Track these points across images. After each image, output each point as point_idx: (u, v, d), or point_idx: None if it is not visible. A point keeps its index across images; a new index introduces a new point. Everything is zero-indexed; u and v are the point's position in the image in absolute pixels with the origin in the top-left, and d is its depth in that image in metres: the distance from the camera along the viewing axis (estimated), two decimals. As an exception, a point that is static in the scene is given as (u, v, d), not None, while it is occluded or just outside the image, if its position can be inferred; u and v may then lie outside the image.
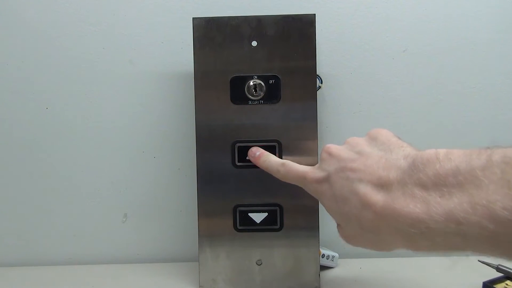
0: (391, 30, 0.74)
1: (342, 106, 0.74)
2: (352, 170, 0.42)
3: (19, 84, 0.74)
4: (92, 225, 0.76)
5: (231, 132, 0.64)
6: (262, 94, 0.64)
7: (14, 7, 0.73)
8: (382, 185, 0.40)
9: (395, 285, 0.67)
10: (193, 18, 0.63)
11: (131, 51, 0.74)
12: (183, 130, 0.74)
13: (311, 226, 0.65)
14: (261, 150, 0.57)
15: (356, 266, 0.72)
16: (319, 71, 0.72)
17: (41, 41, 0.74)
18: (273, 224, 0.64)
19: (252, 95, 0.64)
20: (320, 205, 0.65)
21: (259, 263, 0.65)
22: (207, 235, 0.65)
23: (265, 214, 0.64)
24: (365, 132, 0.75)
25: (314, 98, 0.64)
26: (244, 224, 0.64)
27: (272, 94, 0.64)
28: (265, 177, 0.64)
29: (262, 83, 0.63)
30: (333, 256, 0.71)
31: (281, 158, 0.64)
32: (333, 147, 0.47)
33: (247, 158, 0.63)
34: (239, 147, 0.64)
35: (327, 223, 0.76)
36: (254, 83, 0.64)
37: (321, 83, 0.71)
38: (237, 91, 0.64)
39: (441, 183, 0.36)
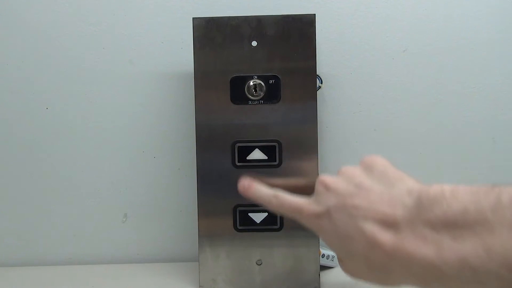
0: (391, 30, 0.74)
1: (342, 106, 0.74)
2: (354, 207, 0.40)
3: (19, 84, 0.74)
4: (92, 225, 0.76)
5: (231, 132, 0.64)
6: (262, 94, 0.64)
7: (14, 7, 0.73)
8: (389, 223, 0.38)
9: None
10: (193, 18, 0.63)
11: (131, 51, 0.74)
12: (183, 130, 0.74)
13: (311, 226, 0.64)
14: (251, 182, 0.52)
15: (356, 266, 0.72)
16: (319, 71, 0.72)
17: (41, 41, 0.74)
18: (273, 224, 0.64)
19: (252, 95, 0.64)
20: (320, 205, 0.65)
21: (259, 263, 0.65)
22: (207, 235, 0.65)
23: (265, 214, 0.64)
24: (365, 132, 0.76)
25: (314, 98, 0.64)
26: (244, 224, 0.64)
27: (272, 94, 0.64)
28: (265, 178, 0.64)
29: (262, 83, 0.63)
30: (333, 256, 0.71)
31: (281, 158, 0.64)
32: (329, 179, 0.44)
33: (247, 158, 0.63)
34: (239, 147, 0.64)
35: (327, 223, 0.76)
36: (254, 83, 0.64)
37: (321, 83, 0.71)
38: (237, 91, 0.64)
39: (451, 224, 0.34)
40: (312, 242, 0.65)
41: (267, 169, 0.64)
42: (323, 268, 0.70)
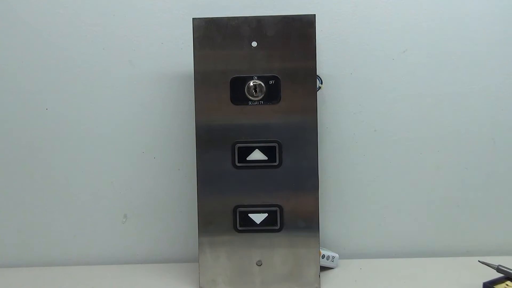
0: (391, 30, 0.73)
1: (342, 107, 0.74)
2: None
3: (19, 84, 0.74)
4: (92, 226, 0.76)
5: (231, 133, 0.64)
6: (262, 94, 0.64)
7: (14, 8, 0.73)
8: None
9: (395, 285, 0.67)
10: (193, 19, 0.63)
11: (131, 51, 0.74)
12: (183, 131, 0.74)
13: (311, 227, 0.65)
14: None
15: (356, 266, 0.72)
16: (319, 71, 0.72)
17: (41, 41, 0.74)
18: (273, 224, 0.64)
19: (252, 96, 0.64)
20: (320, 205, 0.65)
21: (259, 264, 0.65)
22: (207, 236, 0.65)
23: (265, 215, 0.64)
24: (365, 132, 0.76)
25: (314, 98, 0.64)
26: (244, 225, 0.64)
27: (272, 94, 0.64)
28: (265, 178, 0.64)
29: (262, 84, 0.63)
30: (333, 257, 0.71)
31: (281, 159, 0.64)
32: None
33: (247, 158, 0.63)
34: (239, 147, 0.64)
35: (327, 223, 0.76)
36: (254, 83, 0.63)
37: (321, 83, 0.71)
38: (237, 92, 0.64)
39: None
40: (312, 242, 0.65)
41: (267, 169, 0.64)
42: (323, 268, 0.70)
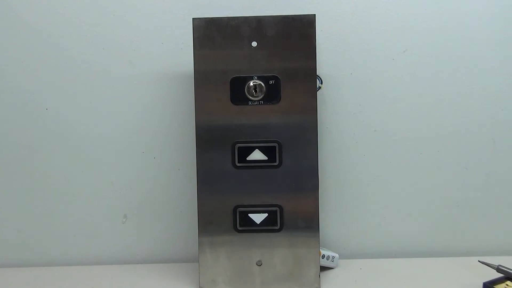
0: (391, 30, 0.73)
1: (342, 107, 0.74)
2: None
3: (19, 84, 0.74)
4: (92, 226, 0.76)
5: (231, 133, 0.64)
6: (262, 94, 0.64)
7: (14, 8, 0.73)
8: None
9: (395, 285, 0.67)
10: (193, 19, 0.63)
11: (131, 51, 0.74)
12: (183, 130, 0.74)
13: (311, 227, 0.65)
14: None
15: (356, 266, 0.72)
16: (319, 71, 0.72)
17: (41, 41, 0.74)
18: (273, 224, 0.64)
19: (252, 96, 0.64)
20: (320, 205, 0.65)
21: (259, 264, 0.65)
22: (207, 236, 0.65)
23: (265, 215, 0.64)
24: (365, 132, 0.76)
25: (314, 98, 0.64)
26: (244, 225, 0.64)
27: (272, 94, 0.64)
28: (265, 178, 0.64)
29: (262, 84, 0.63)
30: (333, 257, 0.71)
31: (281, 159, 0.64)
32: None
33: (247, 159, 0.63)
34: (239, 147, 0.64)
35: (327, 223, 0.76)
36: (254, 83, 0.63)
37: (321, 83, 0.71)
38: (237, 92, 0.64)
39: None
40: (312, 242, 0.65)
41: (267, 169, 0.64)
42: (323, 268, 0.70)
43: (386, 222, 0.76)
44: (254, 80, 0.64)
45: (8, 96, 0.74)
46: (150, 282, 0.69)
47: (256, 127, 0.64)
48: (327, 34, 0.73)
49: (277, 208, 0.64)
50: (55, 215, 0.76)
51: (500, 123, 0.75)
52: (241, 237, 0.65)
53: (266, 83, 0.64)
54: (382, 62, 0.74)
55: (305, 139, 0.64)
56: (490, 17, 0.73)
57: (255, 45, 0.63)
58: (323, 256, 0.70)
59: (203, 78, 0.64)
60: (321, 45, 0.73)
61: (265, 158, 0.64)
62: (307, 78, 0.64)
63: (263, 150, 0.64)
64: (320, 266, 0.66)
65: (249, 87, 0.64)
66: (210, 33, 0.63)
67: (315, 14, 0.63)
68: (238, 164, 0.64)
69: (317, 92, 0.66)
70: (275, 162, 0.64)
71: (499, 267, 0.64)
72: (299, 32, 0.63)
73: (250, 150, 0.64)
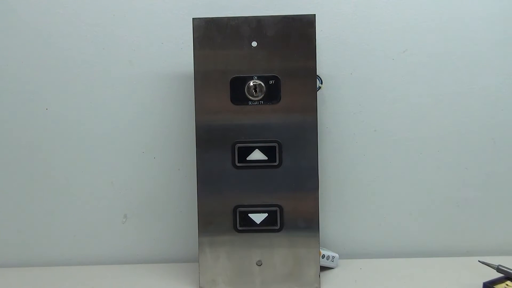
0: (391, 30, 0.73)
1: (342, 107, 0.74)
2: None
3: (19, 85, 0.74)
4: (92, 226, 0.76)
5: (231, 133, 0.64)
6: (262, 94, 0.64)
7: (14, 8, 0.73)
8: None
9: (395, 285, 0.67)
10: (193, 19, 0.63)
11: (131, 51, 0.74)
12: (183, 130, 0.74)
13: (311, 227, 0.65)
14: None
15: (356, 266, 0.72)
16: (319, 71, 0.72)
17: (41, 41, 0.74)
18: (273, 224, 0.64)
19: (252, 96, 0.64)
20: (320, 205, 0.65)
21: (259, 264, 0.65)
22: (207, 236, 0.65)
23: (265, 215, 0.64)
24: (365, 132, 0.76)
25: (314, 98, 0.64)
26: (244, 225, 0.64)
27: (272, 94, 0.64)
28: (265, 178, 0.64)
29: (262, 84, 0.63)
30: (333, 257, 0.71)
31: (281, 159, 0.64)
32: None
33: (247, 159, 0.63)
34: (239, 147, 0.64)
35: (327, 223, 0.76)
36: (254, 83, 0.64)
37: (321, 83, 0.71)
38: (237, 92, 0.64)
39: None
40: (312, 242, 0.65)
41: (267, 169, 0.64)
42: (323, 268, 0.70)
43: (386, 222, 0.76)
44: (254, 80, 0.64)
45: (8, 96, 0.74)
46: (150, 282, 0.69)
47: (256, 127, 0.64)
48: (327, 34, 0.73)
49: (277, 208, 0.64)
50: (55, 215, 0.76)
51: (500, 123, 0.75)
52: (241, 237, 0.65)
53: (266, 83, 0.64)
54: (382, 62, 0.74)
55: (305, 139, 0.64)
56: (490, 17, 0.73)
57: (255, 45, 0.63)
58: (323, 256, 0.70)
59: (203, 78, 0.64)
60: (321, 45, 0.73)
61: (265, 158, 0.64)
62: (307, 78, 0.64)
63: (263, 150, 0.64)
64: (320, 266, 0.66)
65: (249, 87, 0.64)
66: (210, 33, 0.63)
67: (315, 14, 0.63)
68: (238, 164, 0.64)
69: (317, 92, 0.66)
70: (275, 162, 0.64)
71: (499, 267, 0.64)
72: (299, 32, 0.63)
73: (250, 150, 0.64)
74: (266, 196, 0.64)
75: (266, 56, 0.63)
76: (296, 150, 0.64)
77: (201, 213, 0.65)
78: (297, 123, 0.64)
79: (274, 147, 0.64)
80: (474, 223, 0.76)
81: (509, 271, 0.63)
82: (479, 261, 0.66)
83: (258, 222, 0.64)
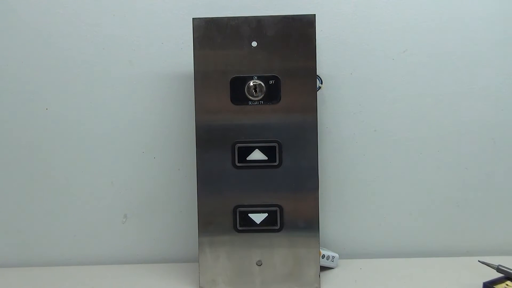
0: (391, 30, 0.73)
1: (342, 107, 0.74)
2: None
3: (19, 85, 0.74)
4: (92, 226, 0.76)
5: (231, 133, 0.64)
6: (262, 94, 0.64)
7: (14, 8, 0.73)
8: None
9: (395, 285, 0.67)
10: (193, 19, 0.63)
11: (131, 51, 0.74)
12: (183, 130, 0.74)
13: (311, 227, 0.65)
14: None
15: (356, 266, 0.72)
16: (319, 71, 0.72)
17: (41, 42, 0.74)
18: (273, 224, 0.64)
19: (252, 96, 0.64)
20: (320, 205, 0.65)
21: (259, 264, 0.65)
22: (207, 236, 0.65)
23: (265, 215, 0.64)
24: (365, 132, 0.76)
25: (314, 98, 0.64)
26: (244, 225, 0.64)
27: (272, 94, 0.64)
28: (265, 178, 0.64)
29: (262, 84, 0.63)
30: (333, 257, 0.71)
31: (281, 159, 0.64)
32: None
33: (247, 158, 0.63)
34: (239, 147, 0.64)
35: (327, 223, 0.76)
36: (254, 83, 0.63)
37: (321, 83, 0.71)
38: (237, 92, 0.64)
39: None
40: (312, 242, 0.65)
41: (267, 169, 0.64)
42: (323, 268, 0.70)
43: (386, 222, 0.76)
44: (254, 80, 0.64)
45: (8, 96, 0.74)
46: (150, 282, 0.69)
47: (256, 127, 0.64)
48: (327, 34, 0.73)
49: (277, 208, 0.64)
50: (55, 215, 0.76)
51: (500, 123, 0.75)
52: (241, 237, 0.65)
53: (266, 83, 0.64)
54: (382, 62, 0.74)
55: (305, 139, 0.64)
56: (490, 17, 0.73)
57: (255, 45, 0.63)
58: (323, 256, 0.70)
59: (203, 78, 0.64)
60: (321, 45, 0.73)
61: (265, 158, 0.64)
62: (307, 78, 0.64)
63: (263, 150, 0.64)
64: (320, 266, 0.66)
65: (249, 87, 0.64)
66: (210, 33, 0.63)
67: (315, 14, 0.63)
68: (238, 164, 0.64)
69: (317, 92, 0.66)
70: (275, 162, 0.64)
71: (499, 267, 0.64)
72: (299, 32, 0.63)
73: (250, 150, 0.64)
74: (266, 196, 0.64)
75: (266, 56, 0.63)
76: (296, 150, 0.64)
77: (201, 213, 0.65)
78: (297, 123, 0.64)
79: (274, 147, 0.64)
80: (474, 223, 0.76)
81: (509, 271, 0.63)
82: (479, 261, 0.66)
83: (258, 222, 0.64)
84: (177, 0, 0.73)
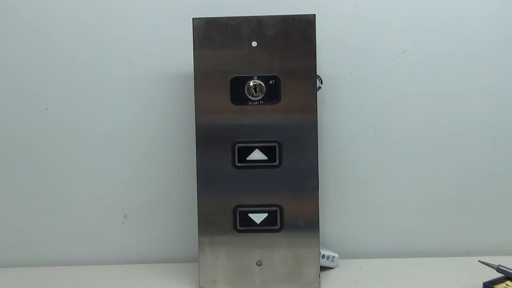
0: (391, 30, 0.73)
1: (342, 107, 0.74)
2: None
3: (19, 85, 0.74)
4: (92, 226, 0.76)
5: (231, 132, 0.64)
6: (262, 94, 0.64)
7: (14, 8, 0.73)
8: None
9: (395, 285, 0.67)
10: (193, 19, 0.63)
11: (131, 51, 0.74)
12: (183, 130, 0.74)
13: (311, 226, 0.65)
14: None
15: (356, 266, 0.72)
16: (319, 71, 0.72)
17: (41, 41, 0.74)
18: (273, 224, 0.64)
19: (252, 96, 0.64)
20: (320, 205, 0.65)
21: (259, 264, 0.65)
22: (207, 236, 0.65)
23: (265, 215, 0.64)
24: (365, 132, 0.76)
25: (314, 98, 0.64)
26: (244, 225, 0.64)
27: (272, 94, 0.64)
28: (265, 178, 0.64)
29: (262, 84, 0.63)
30: (333, 257, 0.71)
31: (281, 159, 0.64)
32: None
33: (247, 158, 0.63)
34: (239, 147, 0.64)
35: (327, 223, 0.76)
36: (254, 83, 0.64)
37: (321, 83, 0.71)
38: (237, 92, 0.64)
39: None
40: (312, 242, 0.65)
41: (267, 169, 0.64)
42: (323, 268, 0.70)
43: (386, 222, 0.76)
44: (254, 80, 0.64)
45: (8, 96, 0.74)
46: (150, 282, 0.69)
47: (256, 127, 0.64)
48: (327, 34, 0.73)
49: (277, 208, 0.64)
50: (55, 215, 0.76)
51: (500, 123, 0.75)
52: (241, 237, 0.65)
53: (266, 83, 0.64)
54: (382, 62, 0.74)
55: (305, 139, 0.64)
56: (490, 17, 0.73)
57: (255, 45, 0.63)
58: (323, 256, 0.70)
59: (203, 78, 0.64)
60: (321, 45, 0.73)
61: (265, 158, 0.64)
62: (307, 78, 0.64)
63: (263, 150, 0.64)
64: (320, 266, 0.66)
65: (249, 87, 0.64)
66: (210, 33, 0.63)
67: (315, 14, 0.63)
68: (238, 164, 0.64)
69: (317, 92, 0.66)
70: (275, 162, 0.64)
71: (499, 267, 0.64)
72: (299, 32, 0.63)
73: (250, 150, 0.64)
74: (266, 196, 0.64)
75: (266, 56, 0.63)
76: (296, 150, 0.64)
77: (201, 213, 0.65)
78: (297, 123, 0.64)
79: (274, 147, 0.64)
80: (474, 223, 0.76)
81: (509, 271, 0.63)
82: (479, 261, 0.66)
83: (258, 222, 0.64)
84: (177, 0, 0.73)
